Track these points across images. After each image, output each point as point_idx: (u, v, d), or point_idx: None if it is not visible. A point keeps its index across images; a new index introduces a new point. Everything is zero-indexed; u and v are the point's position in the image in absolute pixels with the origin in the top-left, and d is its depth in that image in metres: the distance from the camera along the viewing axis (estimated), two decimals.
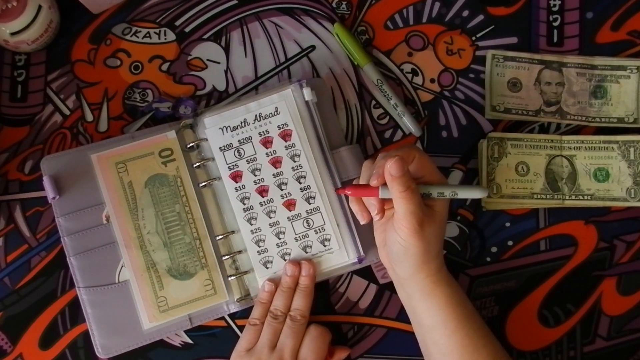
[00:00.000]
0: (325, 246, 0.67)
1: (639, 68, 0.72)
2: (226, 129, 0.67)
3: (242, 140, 0.67)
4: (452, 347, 0.61)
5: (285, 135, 0.67)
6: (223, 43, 0.72)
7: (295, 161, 0.67)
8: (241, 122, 0.67)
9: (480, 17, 0.73)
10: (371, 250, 0.67)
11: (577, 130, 0.72)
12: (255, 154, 0.67)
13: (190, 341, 0.68)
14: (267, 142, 0.67)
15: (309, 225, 0.67)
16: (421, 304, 0.62)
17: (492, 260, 0.70)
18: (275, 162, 0.67)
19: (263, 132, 0.67)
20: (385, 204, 0.61)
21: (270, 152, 0.67)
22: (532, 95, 0.72)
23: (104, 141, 0.68)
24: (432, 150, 0.71)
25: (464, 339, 0.61)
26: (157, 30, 0.72)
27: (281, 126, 0.67)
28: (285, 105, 0.67)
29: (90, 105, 0.71)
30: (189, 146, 0.68)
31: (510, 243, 0.71)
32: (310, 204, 0.66)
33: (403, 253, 0.59)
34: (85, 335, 0.67)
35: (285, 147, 0.67)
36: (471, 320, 0.62)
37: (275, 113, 0.67)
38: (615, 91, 0.72)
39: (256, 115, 0.67)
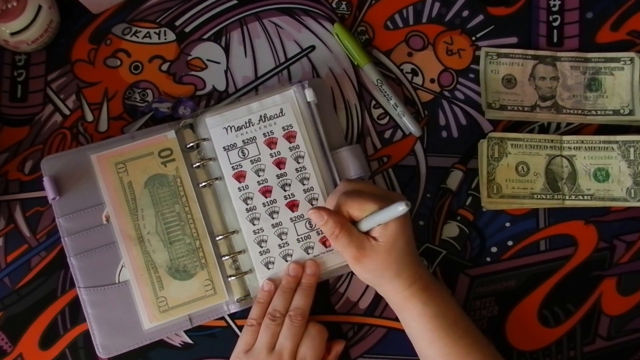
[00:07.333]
0: (326, 247, 0.67)
1: (632, 59, 0.72)
2: (230, 128, 0.67)
3: (246, 141, 0.67)
4: (433, 355, 0.62)
5: (290, 137, 0.67)
6: (223, 43, 0.72)
7: (299, 162, 0.67)
8: (246, 122, 0.67)
9: (480, 17, 0.73)
10: None
11: (577, 130, 0.72)
12: (260, 154, 0.67)
13: (190, 341, 0.68)
14: (271, 143, 0.67)
15: (311, 227, 0.67)
16: (399, 315, 0.65)
17: (492, 260, 0.70)
18: (279, 163, 0.67)
19: (268, 132, 0.67)
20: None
21: (274, 152, 0.67)
22: (527, 91, 0.72)
23: (104, 141, 0.68)
24: (432, 150, 0.71)
25: (444, 348, 0.61)
26: (157, 30, 0.72)
27: (286, 127, 0.67)
28: (290, 107, 0.67)
29: (90, 105, 0.71)
30: (188, 146, 0.68)
31: (510, 243, 0.71)
32: (313, 205, 0.66)
33: (357, 275, 0.64)
34: (85, 335, 0.67)
35: (290, 148, 0.67)
36: (452, 330, 0.62)
37: (280, 114, 0.67)
38: (610, 83, 0.72)
39: (261, 116, 0.67)
